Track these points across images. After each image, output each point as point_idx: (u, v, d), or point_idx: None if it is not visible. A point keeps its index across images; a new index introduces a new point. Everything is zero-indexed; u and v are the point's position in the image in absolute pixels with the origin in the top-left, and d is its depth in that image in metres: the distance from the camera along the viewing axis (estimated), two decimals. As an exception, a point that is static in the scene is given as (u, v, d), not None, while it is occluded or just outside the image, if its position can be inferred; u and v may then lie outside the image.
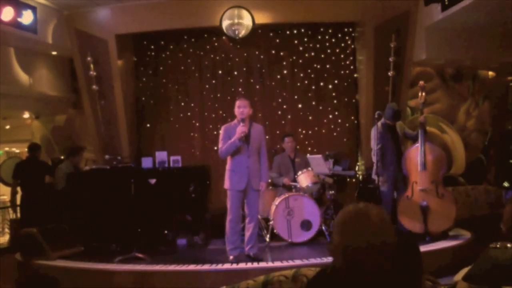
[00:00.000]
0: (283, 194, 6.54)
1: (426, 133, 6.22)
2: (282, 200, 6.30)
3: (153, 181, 6.62)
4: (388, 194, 6.23)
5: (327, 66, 8.24)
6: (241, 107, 5.27)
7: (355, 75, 8.27)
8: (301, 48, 8.22)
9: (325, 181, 6.92)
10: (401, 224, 6.14)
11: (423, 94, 6.22)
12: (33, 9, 6.95)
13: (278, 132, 8.16)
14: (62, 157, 8.72)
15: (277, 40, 8.21)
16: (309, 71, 8.23)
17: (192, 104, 8.30)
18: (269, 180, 6.83)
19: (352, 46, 8.26)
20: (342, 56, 8.26)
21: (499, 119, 9.42)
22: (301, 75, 8.24)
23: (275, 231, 6.30)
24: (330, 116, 8.27)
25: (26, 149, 7.82)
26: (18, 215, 7.75)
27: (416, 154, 6.06)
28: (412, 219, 6.02)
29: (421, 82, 6.38)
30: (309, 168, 6.65)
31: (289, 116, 8.25)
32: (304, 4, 7.45)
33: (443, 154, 6.18)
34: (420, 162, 5.99)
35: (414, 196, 6.03)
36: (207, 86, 8.28)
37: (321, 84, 8.25)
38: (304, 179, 6.47)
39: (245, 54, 8.22)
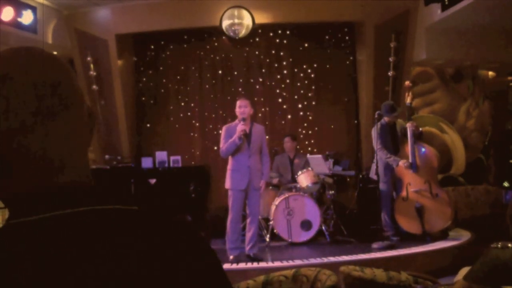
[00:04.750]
0: (283, 194, 6.54)
1: (422, 136, 6.24)
2: (282, 200, 6.30)
3: (153, 181, 6.62)
4: (388, 193, 6.24)
5: (327, 66, 8.24)
6: (242, 107, 5.29)
7: (355, 75, 8.27)
8: (301, 48, 8.22)
9: (325, 181, 6.92)
10: (399, 225, 6.16)
11: (410, 94, 6.26)
12: (33, 9, 6.95)
13: (278, 132, 8.16)
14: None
15: (277, 40, 8.21)
16: (309, 71, 8.23)
17: (192, 104, 8.30)
18: (271, 180, 6.84)
19: (352, 46, 8.26)
20: (342, 56, 8.26)
21: (499, 119, 9.43)
22: (301, 75, 8.24)
23: (275, 231, 6.30)
24: (330, 116, 8.27)
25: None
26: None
27: (406, 156, 6.07)
28: (409, 220, 6.03)
29: (407, 82, 6.43)
30: (309, 168, 6.65)
31: (289, 116, 8.25)
32: (304, 4, 7.45)
33: (433, 153, 6.19)
34: (410, 164, 6.01)
35: (409, 197, 6.04)
36: (207, 86, 8.28)
37: (321, 84, 8.25)
38: (304, 179, 6.47)
39: (245, 54, 8.21)
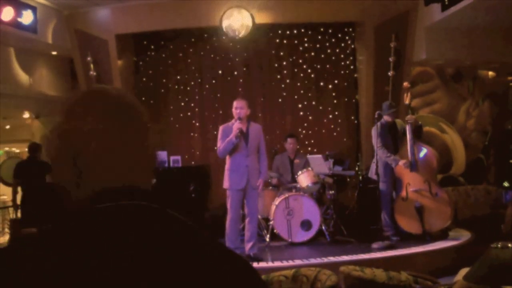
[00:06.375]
0: (283, 194, 6.53)
1: (421, 135, 6.24)
2: (282, 200, 6.30)
3: (153, 181, 6.62)
4: (387, 193, 6.23)
5: (327, 66, 8.24)
6: (238, 108, 5.28)
7: (355, 75, 8.27)
8: (301, 48, 8.22)
9: (325, 181, 6.92)
10: (399, 225, 6.15)
11: (409, 95, 6.25)
12: (33, 9, 6.95)
13: (278, 132, 8.16)
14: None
15: (277, 40, 8.20)
16: (309, 71, 8.23)
17: (192, 104, 8.30)
18: (269, 180, 6.84)
19: (352, 46, 8.26)
20: (342, 56, 8.26)
21: (499, 119, 9.43)
22: (301, 75, 8.24)
23: (275, 231, 6.30)
24: (330, 116, 8.27)
25: (26, 149, 7.82)
26: (19, 215, 7.75)
27: (406, 156, 6.07)
28: (409, 220, 6.03)
29: (405, 83, 6.42)
30: (309, 168, 6.65)
31: (289, 116, 8.25)
32: (304, 4, 7.45)
33: (433, 153, 6.19)
34: (410, 163, 6.00)
35: (408, 197, 6.04)
36: (207, 86, 8.28)
37: (321, 84, 8.25)
38: (304, 179, 6.47)
39: (245, 54, 8.21)
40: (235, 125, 5.19)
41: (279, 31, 8.16)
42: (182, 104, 8.31)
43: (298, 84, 8.24)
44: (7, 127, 10.83)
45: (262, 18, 7.60)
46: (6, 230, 9.56)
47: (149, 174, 0.97)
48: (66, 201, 0.93)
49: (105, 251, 0.79)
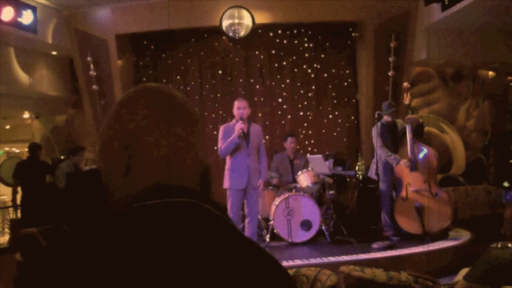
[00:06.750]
0: (283, 194, 6.53)
1: (422, 134, 6.24)
2: (282, 200, 6.30)
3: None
4: (387, 193, 6.23)
5: (327, 66, 8.24)
6: (240, 108, 5.28)
7: (355, 75, 8.27)
8: (301, 48, 8.22)
9: (325, 181, 6.92)
10: (399, 225, 6.15)
11: (409, 95, 6.25)
12: (33, 9, 6.95)
13: (278, 132, 8.16)
14: (62, 157, 8.72)
15: (277, 40, 8.21)
16: (309, 71, 8.23)
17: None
18: (270, 180, 6.84)
19: (352, 46, 8.26)
20: (342, 56, 8.26)
21: (499, 119, 9.43)
22: (301, 75, 8.24)
23: (275, 231, 6.30)
24: (330, 116, 8.27)
25: (26, 149, 7.82)
26: (19, 215, 7.76)
27: (406, 156, 6.07)
28: (409, 220, 6.03)
29: (405, 84, 6.42)
30: (309, 168, 6.65)
31: (289, 116, 8.25)
32: (304, 4, 7.45)
33: (433, 153, 6.18)
34: (410, 163, 6.00)
35: (408, 197, 6.04)
36: (207, 86, 8.28)
37: (321, 84, 8.25)
38: (304, 179, 6.47)
39: (245, 54, 8.22)
40: (238, 125, 5.19)
41: (279, 31, 8.16)
42: (182, 104, 8.30)
43: (298, 84, 8.24)
44: (7, 127, 10.83)
45: (262, 18, 7.60)
46: (6, 230, 9.56)
47: (195, 172, 0.97)
48: (110, 197, 0.93)
49: (153, 248, 0.81)
